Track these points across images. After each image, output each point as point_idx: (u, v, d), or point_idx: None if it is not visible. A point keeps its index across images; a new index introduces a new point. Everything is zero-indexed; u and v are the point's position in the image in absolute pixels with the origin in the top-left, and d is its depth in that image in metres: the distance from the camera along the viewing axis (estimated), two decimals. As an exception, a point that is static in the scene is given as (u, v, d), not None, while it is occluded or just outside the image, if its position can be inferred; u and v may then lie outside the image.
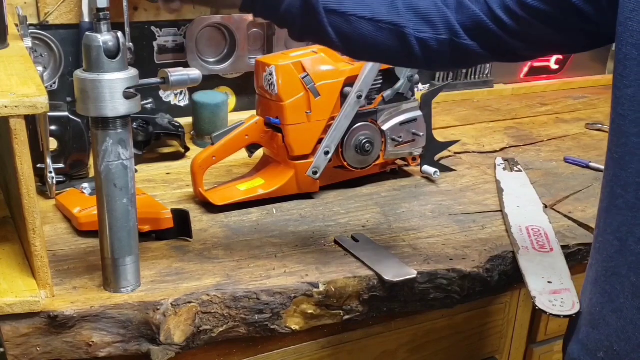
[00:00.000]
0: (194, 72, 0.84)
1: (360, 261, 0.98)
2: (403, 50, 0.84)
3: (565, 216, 1.16)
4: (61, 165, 1.14)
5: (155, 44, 1.42)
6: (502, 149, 1.48)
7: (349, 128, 1.16)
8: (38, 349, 0.83)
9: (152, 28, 1.41)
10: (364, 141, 1.18)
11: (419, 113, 1.24)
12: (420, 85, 1.71)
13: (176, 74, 0.83)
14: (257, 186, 1.16)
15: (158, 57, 1.43)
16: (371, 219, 1.12)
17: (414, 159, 1.29)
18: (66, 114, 1.14)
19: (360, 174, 1.23)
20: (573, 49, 0.87)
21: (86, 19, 1.32)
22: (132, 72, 0.80)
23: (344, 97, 1.15)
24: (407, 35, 0.83)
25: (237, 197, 1.13)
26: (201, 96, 1.40)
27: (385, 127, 1.20)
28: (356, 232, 1.06)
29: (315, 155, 1.15)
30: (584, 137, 1.58)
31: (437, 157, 1.32)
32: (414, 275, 0.94)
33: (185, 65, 1.42)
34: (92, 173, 1.18)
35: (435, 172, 1.27)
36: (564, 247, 1.05)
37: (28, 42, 1.09)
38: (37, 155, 0.96)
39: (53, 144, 1.12)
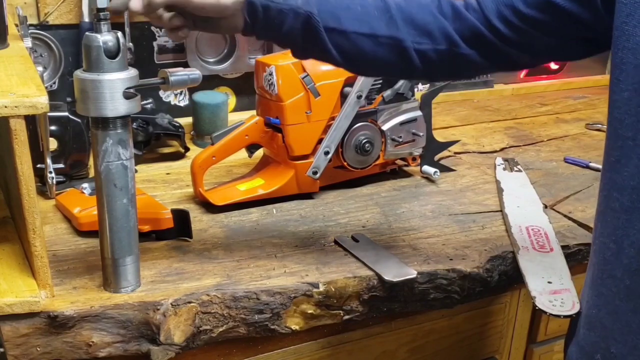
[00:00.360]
0: (194, 72, 0.84)
1: (360, 261, 0.98)
2: (403, 63, 0.85)
3: (565, 216, 1.16)
4: (61, 165, 1.14)
5: (155, 44, 1.42)
6: (502, 149, 1.48)
7: (349, 128, 1.16)
8: (38, 349, 0.83)
9: (152, 28, 1.41)
10: (364, 141, 1.18)
11: (419, 113, 1.24)
12: (420, 85, 1.71)
13: (176, 74, 0.83)
14: (257, 186, 1.16)
15: (158, 57, 1.43)
16: (371, 219, 1.12)
17: (414, 159, 1.29)
18: (66, 114, 1.14)
19: (360, 174, 1.23)
20: (571, 57, 0.87)
21: (86, 19, 1.32)
22: (132, 72, 0.80)
23: (344, 97, 1.15)
24: (407, 49, 0.83)
25: (237, 197, 1.13)
26: (201, 96, 1.40)
27: (385, 127, 1.20)
28: (356, 232, 1.06)
29: (315, 155, 1.15)
30: (584, 137, 1.58)
31: (437, 157, 1.32)
32: (414, 275, 0.94)
33: (185, 65, 1.42)
34: (92, 173, 1.18)
35: (435, 172, 1.27)
36: (564, 247, 1.05)
37: (28, 42, 1.09)
38: (37, 155, 0.96)
39: (53, 144, 1.12)
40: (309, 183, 1.17)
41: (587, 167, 1.38)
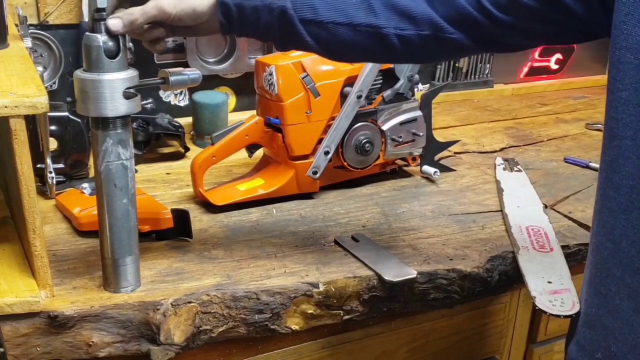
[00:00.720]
0: (194, 72, 0.84)
1: (360, 261, 0.98)
2: (384, 49, 0.84)
3: (565, 216, 1.16)
4: (61, 165, 1.14)
5: (155, 44, 1.42)
6: (502, 149, 1.48)
7: (349, 128, 1.16)
8: (38, 349, 0.83)
9: (152, 28, 1.41)
10: (364, 141, 1.18)
11: (419, 113, 1.24)
12: (420, 85, 1.71)
13: (176, 74, 0.83)
14: (257, 186, 1.16)
15: (158, 57, 1.43)
16: (371, 219, 1.12)
17: (414, 159, 1.29)
18: (66, 114, 1.14)
19: (360, 174, 1.23)
20: (563, 42, 0.87)
21: (86, 19, 1.32)
22: (132, 72, 0.80)
23: (344, 97, 1.15)
24: (387, 35, 0.83)
25: (237, 197, 1.13)
26: (201, 96, 1.40)
27: (385, 127, 1.20)
28: (356, 232, 1.06)
29: (315, 155, 1.15)
30: (584, 137, 1.58)
31: (437, 157, 1.32)
32: (414, 275, 0.94)
33: (185, 65, 1.42)
34: (92, 173, 1.18)
35: (435, 172, 1.27)
36: (564, 247, 1.05)
37: (28, 42, 1.09)
38: (37, 155, 0.96)
39: (53, 144, 1.12)
40: (309, 183, 1.17)
41: (587, 167, 1.38)
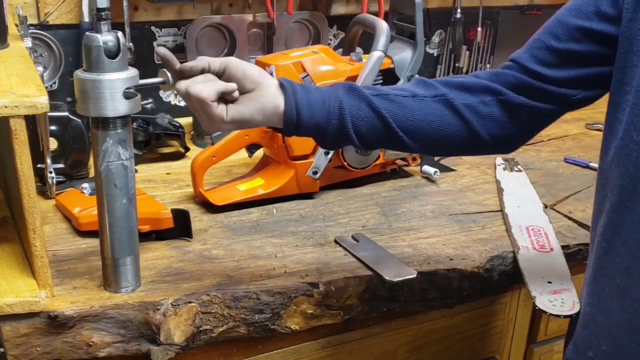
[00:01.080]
0: (194, 72, 0.84)
1: (360, 261, 0.98)
2: (455, 118, 0.83)
3: (565, 216, 1.16)
4: (61, 165, 1.14)
5: (155, 44, 1.42)
6: (502, 149, 1.47)
7: (349, 128, 1.16)
8: (38, 349, 0.83)
9: (152, 28, 1.41)
10: (364, 141, 1.18)
11: (419, 113, 1.24)
12: (420, 85, 1.71)
13: (176, 74, 0.83)
14: (257, 186, 1.16)
15: (158, 58, 1.43)
16: (371, 219, 1.12)
17: (414, 159, 1.29)
18: (66, 114, 1.14)
19: (360, 174, 1.23)
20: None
21: (86, 19, 1.32)
22: (132, 72, 0.80)
23: (344, 97, 1.15)
24: (453, 101, 0.82)
25: (237, 197, 1.13)
26: (201, 96, 1.39)
27: (385, 127, 1.20)
28: (356, 232, 1.06)
29: (315, 155, 1.15)
30: (584, 137, 1.58)
31: (437, 157, 1.32)
32: (414, 275, 0.94)
33: (185, 65, 1.42)
34: (92, 173, 1.18)
35: (435, 172, 1.27)
36: (564, 247, 1.05)
37: (28, 42, 1.09)
38: (37, 155, 0.96)
39: (53, 144, 1.12)
40: (309, 183, 1.17)
41: (587, 167, 1.38)
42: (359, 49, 1.23)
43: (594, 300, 0.78)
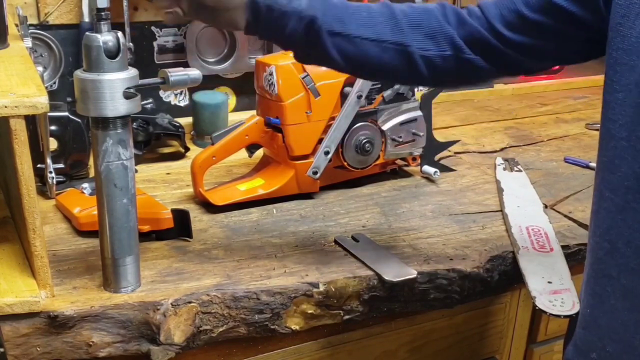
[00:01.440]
0: (194, 72, 0.84)
1: (360, 261, 0.98)
2: (409, 69, 0.85)
3: (565, 216, 1.16)
4: (61, 165, 1.14)
5: (155, 44, 1.42)
6: (502, 149, 1.48)
7: (349, 128, 1.16)
8: (38, 349, 0.83)
9: (152, 28, 1.41)
10: (364, 141, 1.18)
11: (419, 113, 1.24)
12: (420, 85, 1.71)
13: (176, 74, 0.83)
14: (257, 186, 1.16)
15: (158, 57, 1.43)
16: (371, 219, 1.12)
17: (414, 159, 1.29)
18: (66, 114, 1.14)
19: (360, 174, 1.23)
20: (575, 60, 0.87)
21: (86, 19, 1.32)
22: (132, 72, 0.80)
23: (344, 97, 1.15)
24: (412, 54, 0.83)
25: (237, 197, 1.13)
26: (201, 96, 1.40)
27: (385, 127, 1.20)
28: (356, 232, 1.06)
29: (315, 155, 1.15)
30: (584, 137, 1.58)
31: (437, 157, 1.32)
32: (414, 275, 0.94)
33: (185, 65, 1.42)
34: (92, 173, 1.18)
35: (435, 172, 1.27)
36: (564, 247, 1.05)
37: (28, 42, 1.09)
38: (37, 155, 0.96)
39: (53, 144, 1.12)
40: (309, 183, 1.17)
41: (587, 167, 1.38)
42: (359, 49, 1.23)
43: (595, 301, 0.77)
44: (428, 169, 1.28)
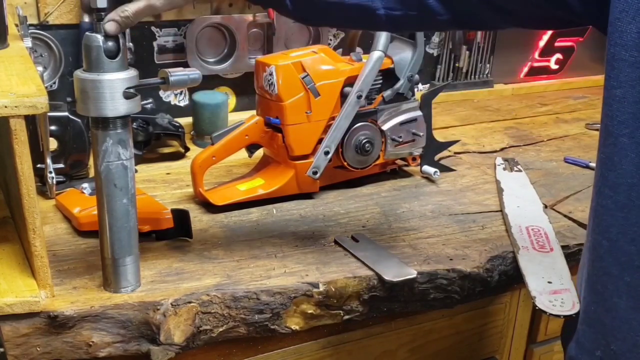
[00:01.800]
0: (194, 72, 0.84)
1: (360, 261, 0.98)
2: (368, 24, 0.85)
3: (565, 216, 1.16)
4: (61, 165, 1.14)
5: (155, 44, 1.42)
6: (502, 149, 1.48)
7: (349, 128, 1.16)
8: (38, 349, 0.83)
9: (152, 28, 1.41)
10: (364, 141, 1.18)
11: (419, 113, 1.24)
12: (420, 85, 1.71)
13: (176, 74, 0.83)
14: (257, 186, 1.16)
15: (158, 57, 1.43)
16: (371, 219, 1.12)
17: (414, 159, 1.29)
18: (66, 114, 1.14)
19: (360, 174, 1.23)
20: (535, 27, 0.86)
21: (86, 19, 1.32)
22: (132, 72, 0.80)
23: (344, 97, 1.15)
24: (377, 16, 0.83)
25: (237, 197, 1.13)
26: (201, 96, 1.40)
27: (385, 127, 1.20)
28: (356, 232, 1.06)
29: (315, 155, 1.15)
30: (584, 137, 1.58)
31: (437, 157, 1.32)
32: (414, 275, 0.94)
33: (185, 65, 1.42)
34: (92, 173, 1.18)
35: (435, 172, 1.27)
36: (564, 247, 1.05)
37: (28, 42, 1.09)
38: (37, 155, 0.96)
39: (53, 144, 1.12)
40: (309, 183, 1.17)
41: (587, 167, 1.38)
42: (359, 49, 1.23)
43: (597, 298, 0.77)
44: (428, 169, 1.28)
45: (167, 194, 1.18)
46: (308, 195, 1.19)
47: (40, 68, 1.28)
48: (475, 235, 1.08)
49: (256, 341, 0.94)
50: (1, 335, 0.80)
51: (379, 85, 1.19)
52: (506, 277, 1.02)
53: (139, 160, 1.29)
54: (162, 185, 1.22)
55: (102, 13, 0.78)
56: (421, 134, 1.24)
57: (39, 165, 1.00)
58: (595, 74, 2.02)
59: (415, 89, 1.24)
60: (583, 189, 1.27)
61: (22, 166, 0.76)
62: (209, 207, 1.12)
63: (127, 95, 0.79)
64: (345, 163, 1.19)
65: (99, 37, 0.77)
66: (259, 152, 1.22)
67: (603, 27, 0.74)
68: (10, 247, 0.93)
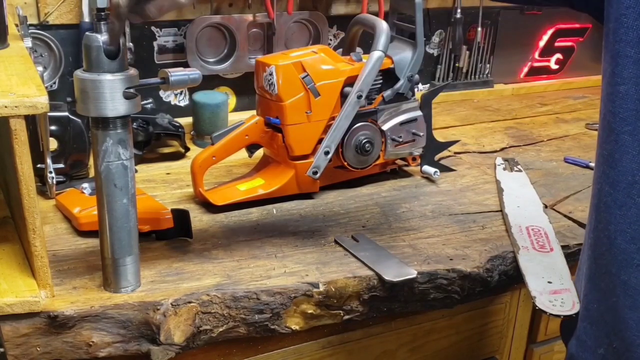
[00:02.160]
0: (194, 72, 0.84)
1: (360, 261, 0.98)
2: None
3: (565, 216, 1.16)
4: (61, 165, 1.14)
5: (155, 44, 1.42)
6: (502, 149, 1.48)
7: (349, 128, 1.16)
8: (38, 349, 0.83)
9: (152, 28, 1.41)
10: (364, 141, 1.18)
11: (419, 113, 1.24)
12: (420, 85, 1.71)
13: (176, 74, 0.83)
14: (257, 186, 1.16)
15: (158, 57, 1.43)
16: (371, 219, 1.12)
17: (414, 159, 1.29)
18: (66, 114, 1.14)
19: (360, 174, 1.23)
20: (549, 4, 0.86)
21: (86, 19, 1.32)
22: (132, 72, 0.80)
23: (344, 97, 1.15)
24: None
25: (237, 197, 1.13)
26: (201, 96, 1.40)
27: (385, 127, 1.20)
28: (356, 232, 1.06)
29: (315, 155, 1.15)
30: (584, 137, 1.58)
31: (437, 157, 1.32)
32: (414, 275, 0.94)
33: (185, 65, 1.42)
34: (92, 173, 1.18)
35: (435, 172, 1.27)
36: (564, 247, 1.05)
37: (28, 42, 1.09)
38: (37, 155, 0.96)
39: (53, 144, 1.12)
40: (309, 183, 1.17)
41: (587, 167, 1.38)
42: (359, 49, 1.23)
43: (600, 296, 0.77)
44: (428, 169, 1.28)
45: (167, 194, 1.18)
46: (308, 195, 1.19)
47: (40, 68, 1.28)
48: (475, 235, 1.08)
49: (256, 341, 0.94)
50: (1, 335, 0.80)
51: (379, 85, 1.19)
52: (506, 277, 1.02)
53: (139, 160, 1.29)
54: (162, 185, 1.22)
55: (102, 13, 0.78)
56: (421, 134, 1.24)
57: (39, 165, 1.00)
58: (595, 74, 2.02)
59: (415, 89, 1.24)
60: (583, 189, 1.27)
61: (22, 166, 0.76)
62: (209, 207, 1.12)
63: (127, 95, 0.79)
64: (345, 163, 1.19)
65: (99, 37, 0.77)
66: (259, 152, 1.22)
67: (599, 16, 0.74)
68: (10, 247, 0.93)
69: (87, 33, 0.79)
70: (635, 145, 0.69)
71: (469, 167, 1.36)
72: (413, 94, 1.23)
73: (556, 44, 1.92)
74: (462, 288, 0.99)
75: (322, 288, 0.92)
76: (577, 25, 1.92)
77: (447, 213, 1.15)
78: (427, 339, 1.08)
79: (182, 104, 1.49)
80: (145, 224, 0.99)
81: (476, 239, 1.07)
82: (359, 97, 1.14)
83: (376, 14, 1.52)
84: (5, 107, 0.73)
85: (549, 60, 1.94)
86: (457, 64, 1.79)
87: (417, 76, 1.22)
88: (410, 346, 1.07)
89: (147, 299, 0.86)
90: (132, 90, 0.79)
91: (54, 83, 1.35)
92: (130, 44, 1.36)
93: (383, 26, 1.14)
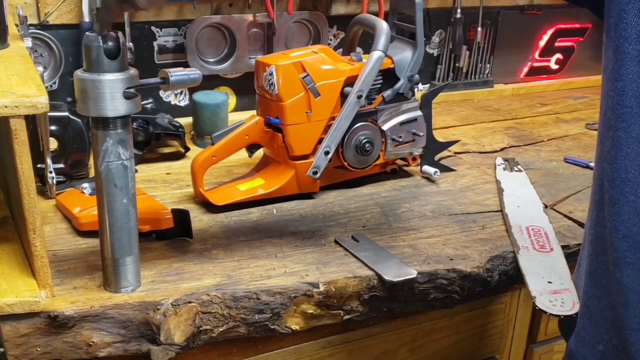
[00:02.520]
0: (194, 72, 0.84)
1: (360, 261, 0.98)
2: None
3: (565, 216, 1.16)
4: (61, 165, 1.14)
5: (155, 44, 1.42)
6: (502, 149, 1.48)
7: (349, 128, 1.16)
8: (38, 349, 0.83)
9: (152, 28, 1.41)
10: (364, 141, 1.18)
11: (419, 113, 1.24)
12: (420, 85, 1.70)
13: (176, 74, 0.83)
14: (257, 186, 1.16)
15: (158, 57, 1.43)
16: (371, 219, 1.12)
17: (414, 159, 1.29)
18: (66, 114, 1.14)
19: (360, 174, 1.23)
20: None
21: (86, 19, 1.32)
22: (132, 72, 0.80)
23: (344, 97, 1.15)
24: None
25: (237, 197, 1.13)
26: (201, 96, 1.40)
27: (385, 127, 1.20)
28: (356, 232, 1.06)
29: (315, 155, 1.14)
30: (584, 137, 1.58)
31: (437, 157, 1.32)
32: (414, 275, 0.94)
33: (185, 65, 1.42)
34: (92, 173, 1.18)
35: (435, 172, 1.27)
36: (564, 247, 1.05)
37: (28, 42, 1.09)
38: (37, 155, 0.96)
39: (53, 144, 1.12)
40: (309, 183, 1.17)
41: (587, 167, 1.38)
42: (359, 49, 1.23)
43: (601, 293, 0.76)
44: (428, 169, 1.28)
45: (167, 194, 1.18)
46: (308, 195, 1.19)
47: (40, 68, 1.28)
48: (475, 235, 1.08)
49: (256, 341, 0.94)
50: (1, 335, 0.80)
51: (379, 85, 1.19)
52: (506, 277, 1.02)
53: (139, 160, 1.29)
54: (162, 185, 1.22)
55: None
56: (421, 134, 1.24)
57: (39, 165, 1.00)
58: (596, 74, 2.02)
59: (416, 89, 1.24)
60: (583, 189, 1.27)
61: (22, 166, 0.76)
62: (209, 207, 1.12)
63: (127, 95, 0.79)
64: (345, 163, 1.19)
65: (99, 37, 0.77)
66: (259, 152, 1.22)
67: (599, 10, 0.73)
68: (10, 247, 0.93)
69: (87, 33, 0.79)
70: (630, 143, 0.69)
71: (469, 167, 1.36)
72: (413, 94, 1.23)
73: (556, 44, 1.92)
74: (462, 288, 0.99)
75: (322, 288, 0.92)
76: (577, 25, 1.92)
77: (447, 213, 1.15)
78: (427, 339, 1.08)
79: (182, 104, 1.49)
80: (145, 224, 0.99)
81: (476, 239, 1.07)
82: (359, 97, 1.14)
83: (376, 14, 1.52)
84: (5, 107, 0.73)
85: (549, 60, 1.94)
86: (457, 64, 1.79)
87: (417, 76, 1.22)
88: (410, 346, 1.07)
89: (147, 299, 0.86)
90: (132, 90, 0.79)
91: (54, 83, 1.35)
92: (130, 44, 1.36)
93: (383, 26, 1.14)
